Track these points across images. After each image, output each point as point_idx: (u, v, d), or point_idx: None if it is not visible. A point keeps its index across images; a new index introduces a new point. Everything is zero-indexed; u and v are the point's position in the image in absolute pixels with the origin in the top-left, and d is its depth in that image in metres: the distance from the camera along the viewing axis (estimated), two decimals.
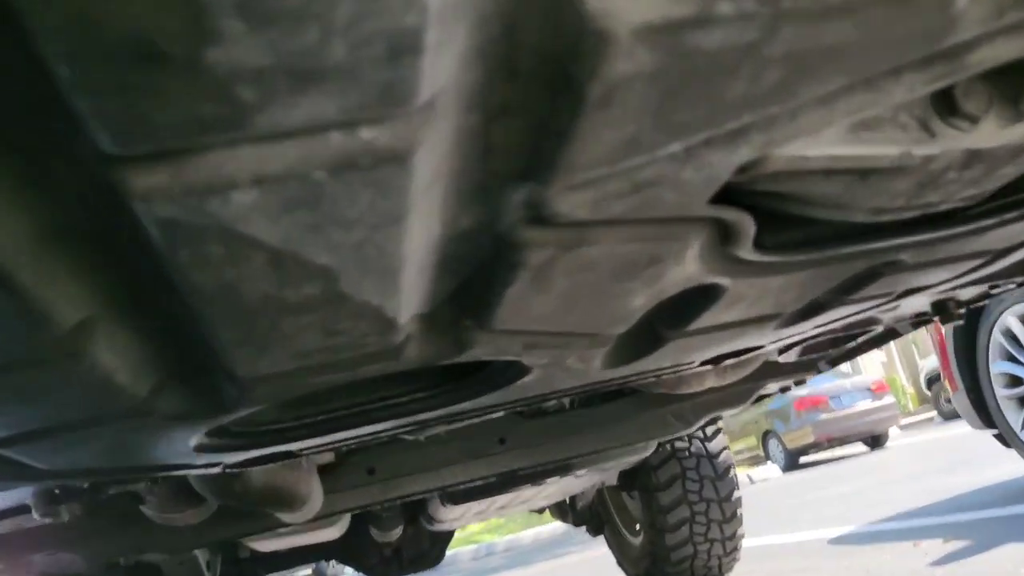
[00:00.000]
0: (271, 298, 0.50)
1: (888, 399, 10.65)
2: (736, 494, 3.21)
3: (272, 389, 0.66)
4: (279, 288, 0.50)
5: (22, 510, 0.97)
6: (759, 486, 9.67)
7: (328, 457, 1.66)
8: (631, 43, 0.33)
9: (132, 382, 0.58)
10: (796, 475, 10.04)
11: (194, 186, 0.36)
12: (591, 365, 0.87)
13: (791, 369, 1.67)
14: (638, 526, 3.30)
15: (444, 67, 0.33)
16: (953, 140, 0.52)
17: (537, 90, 0.37)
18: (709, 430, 3.42)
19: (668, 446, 3.29)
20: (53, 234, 0.42)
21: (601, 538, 3.65)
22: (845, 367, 11.05)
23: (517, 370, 0.82)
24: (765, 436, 11.63)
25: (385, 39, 0.29)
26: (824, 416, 10.52)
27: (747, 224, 0.58)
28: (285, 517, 1.54)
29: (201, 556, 2.21)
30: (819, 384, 10.79)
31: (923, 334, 14.34)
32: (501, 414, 1.73)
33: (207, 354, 0.59)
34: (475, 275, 0.58)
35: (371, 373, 0.70)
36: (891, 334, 1.65)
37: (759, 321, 0.86)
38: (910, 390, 14.47)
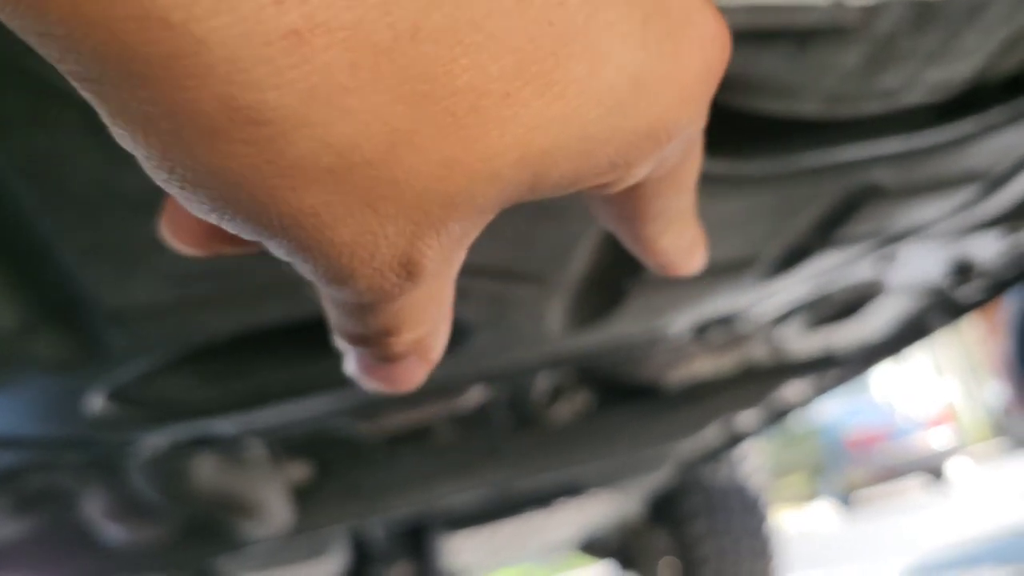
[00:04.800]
0: (103, 186, 0.44)
1: (949, 430, 10.20)
2: (769, 525, 3.07)
3: (161, 330, 0.59)
4: (107, 171, 0.43)
5: None
6: (808, 525, 9.29)
7: (304, 473, 1.60)
8: None
9: None
10: (849, 513, 9.64)
11: None
12: (546, 325, 0.79)
13: (806, 366, 1.56)
14: (661, 562, 3.15)
15: None
16: None
17: None
18: (736, 456, 3.29)
19: (693, 475, 3.18)
20: None
21: None
22: (898, 399, 10.64)
23: (458, 331, 0.74)
24: (815, 472, 11.23)
25: None
26: (878, 450, 10.11)
27: None
28: (253, 529, 1.46)
29: None
30: (872, 416, 10.40)
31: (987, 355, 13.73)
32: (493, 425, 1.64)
33: (71, 280, 0.53)
34: None
35: (279, 316, 0.63)
36: (923, 328, 1.53)
37: (732, 269, 0.77)
38: (974, 418, 13.86)
